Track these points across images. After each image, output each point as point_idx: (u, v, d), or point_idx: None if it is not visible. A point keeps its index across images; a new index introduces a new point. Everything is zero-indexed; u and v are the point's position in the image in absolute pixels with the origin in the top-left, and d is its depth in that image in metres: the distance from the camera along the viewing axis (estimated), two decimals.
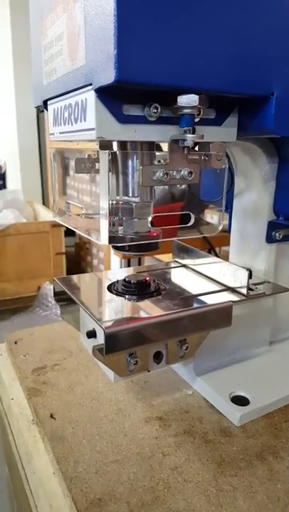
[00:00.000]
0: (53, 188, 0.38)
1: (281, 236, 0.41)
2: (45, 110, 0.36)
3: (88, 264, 2.10)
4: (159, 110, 0.28)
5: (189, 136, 0.28)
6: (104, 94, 0.26)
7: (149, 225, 0.32)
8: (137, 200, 0.33)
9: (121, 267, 1.24)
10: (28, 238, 1.93)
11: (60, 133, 0.33)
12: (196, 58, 0.25)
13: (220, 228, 0.35)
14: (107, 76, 0.24)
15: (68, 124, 0.31)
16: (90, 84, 0.26)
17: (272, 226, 0.41)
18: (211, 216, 1.06)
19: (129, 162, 0.31)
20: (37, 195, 2.65)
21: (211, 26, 0.25)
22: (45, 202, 2.64)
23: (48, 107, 0.35)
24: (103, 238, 0.30)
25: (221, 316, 0.36)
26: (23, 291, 1.87)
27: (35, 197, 2.53)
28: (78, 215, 0.34)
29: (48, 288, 1.84)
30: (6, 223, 1.85)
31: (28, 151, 2.67)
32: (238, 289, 0.38)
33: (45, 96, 0.35)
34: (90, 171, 0.37)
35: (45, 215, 2.15)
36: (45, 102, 0.36)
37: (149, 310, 0.35)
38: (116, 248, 0.34)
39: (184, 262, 0.46)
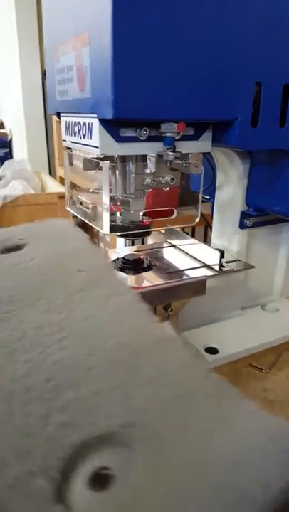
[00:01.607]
0: (66, 182, 0.47)
1: (251, 223, 0.50)
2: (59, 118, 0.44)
3: (95, 235, 2.19)
4: (147, 132, 0.36)
5: (170, 153, 0.36)
6: (105, 121, 0.34)
7: (141, 217, 0.41)
8: (132, 197, 0.42)
9: (125, 244, 1.34)
10: (37, 209, 2.01)
11: (72, 142, 0.42)
12: (175, 98, 0.33)
13: (197, 220, 0.44)
14: (107, 113, 0.32)
15: (78, 137, 0.39)
16: (95, 113, 0.34)
17: (244, 215, 0.49)
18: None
19: (126, 169, 0.40)
20: (43, 165, 2.69)
21: (187, 75, 0.33)
22: (51, 172, 2.69)
23: (61, 117, 0.43)
24: (105, 228, 0.39)
25: (198, 287, 0.45)
26: None
27: (42, 167, 2.57)
28: (86, 207, 0.43)
29: None
30: (16, 194, 1.92)
31: (34, 120, 2.67)
32: (213, 266, 0.48)
33: (59, 109, 0.43)
34: (95, 168, 0.46)
35: (53, 186, 2.21)
36: (58, 112, 0.44)
37: (142, 282, 0.45)
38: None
39: (173, 242, 0.56)
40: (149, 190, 0.40)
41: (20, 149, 2.86)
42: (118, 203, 0.42)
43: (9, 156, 2.96)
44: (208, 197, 0.57)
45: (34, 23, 2.29)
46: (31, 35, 2.35)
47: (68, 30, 0.37)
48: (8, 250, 0.39)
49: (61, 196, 2.09)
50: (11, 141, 3.00)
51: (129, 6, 0.30)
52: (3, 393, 0.22)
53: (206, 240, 1.08)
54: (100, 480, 0.18)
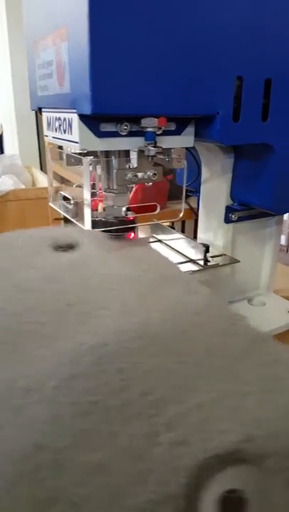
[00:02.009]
0: (48, 178, 0.46)
1: (236, 218, 0.50)
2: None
3: None
4: (128, 127, 0.36)
5: (152, 148, 0.36)
6: (85, 117, 0.34)
7: (124, 212, 0.41)
8: (116, 192, 0.42)
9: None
10: (27, 204, 2.00)
11: (53, 137, 0.41)
12: (154, 93, 0.33)
13: (181, 215, 0.44)
14: (86, 108, 0.32)
15: (59, 132, 0.39)
16: (75, 109, 0.34)
17: (229, 209, 0.49)
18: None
19: (109, 164, 0.40)
20: (35, 159, 2.67)
21: (166, 70, 0.33)
22: (42, 167, 2.67)
23: (43, 113, 0.43)
24: (87, 224, 0.39)
25: None
26: None
27: (33, 162, 2.55)
28: (68, 203, 0.43)
29: None
30: (6, 189, 1.91)
31: (25, 115, 2.65)
32: (198, 261, 0.48)
33: (41, 105, 0.42)
34: (79, 164, 0.45)
35: (43, 180, 2.19)
36: (39, 108, 0.44)
37: None
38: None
39: (159, 237, 0.56)
40: (132, 185, 0.40)
41: (11, 144, 2.84)
42: (99, 198, 0.42)
43: (0, 151, 2.93)
44: (193, 191, 0.57)
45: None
46: (21, 29, 2.31)
47: (48, 24, 0.37)
48: (61, 247, 0.40)
49: (56, 190, 2.07)
50: (1, 136, 2.97)
51: (106, 1, 0.30)
52: (98, 413, 0.21)
53: (195, 233, 1.09)
54: (232, 505, 0.16)
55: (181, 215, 0.44)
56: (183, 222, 1.26)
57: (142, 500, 0.16)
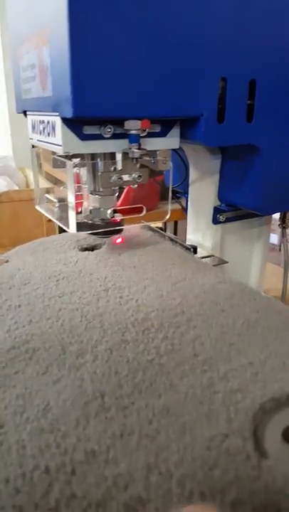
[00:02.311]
0: (34, 181, 0.46)
1: (224, 218, 0.50)
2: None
3: None
4: (112, 129, 0.36)
5: (135, 151, 0.36)
6: (68, 120, 0.34)
7: (109, 215, 0.41)
8: (102, 194, 0.41)
9: None
10: (21, 205, 1.99)
11: (38, 140, 0.41)
12: (136, 95, 0.33)
13: (167, 217, 0.44)
14: (68, 111, 0.31)
15: (43, 135, 0.39)
16: (57, 112, 0.34)
17: (216, 210, 0.49)
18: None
19: (94, 167, 0.39)
20: (28, 161, 2.65)
21: (148, 72, 0.33)
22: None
23: (27, 116, 0.43)
24: (71, 227, 0.38)
25: None
26: None
27: (27, 163, 2.54)
28: (53, 205, 0.43)
29: None
30: None
31: (19, 116, 2.63)
32: None
33: (25, 108, 0.42)
34: (64, 166, 0.45)
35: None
36: (24, 111, 0.43)
37: None
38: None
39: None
40: (118, 187, 0.40)
41: (4, 146, 2.83)
42: (81, 200, 0.42)
43: None
44: (182, 192, 0.57)
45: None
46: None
47: (30, 27, 0.36)
48: (86, 249, 0.44)
49: (46, 192, 2.07)
50: None
51: (86, 4, 0.29)
52: (154, 368, 0.25)
53: None
54: None
55: (167, 217, 0.44)
56: (175, 223, 1.26)
57: (212, 434, 0.20)
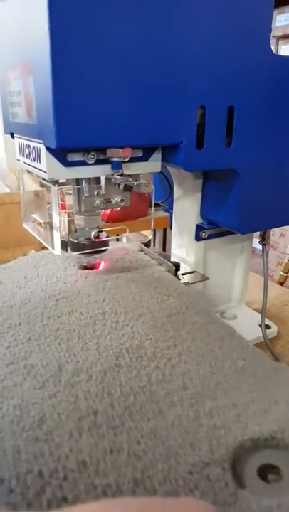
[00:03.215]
0: (22, 200, 0.47)
1: (207, 235, 0.52)
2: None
3: None
4: (95, 156, 0.37)
5: (118, 177, 0.37)
6: (52, 148, 0.35)
7: (92, 236, 0.43)
8: (86, 214, 0.43)
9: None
10: (13, 207, 1.99)
11: (24, 163, 0.42)
12: (118, 126, 0.34)
13: (150, 237, 0.45)
14: (51, 142, 0.33)
15: (29, 159, 0.40)
16: (42, 140, 0.35)
17: (199, 228, 0.51)
18: None
19: (78, 190, 0.41)
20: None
21: (129, 103, 0.34)
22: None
23: (15, 138, 0.44)
24: (56, 249, 0.40)
25: None
26: (10, 259, 1.96)
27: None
28: (40, 224, 0.44)
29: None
30: None
31: None
32: None
33: (12, 131, 0.43)
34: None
35: (30, 183, 2.18)
36: (11, 133, 0.44)
37: None
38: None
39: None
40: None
41: None
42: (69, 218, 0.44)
43: None
44: (167, 208, 0.59)
45: None
46: None
47: (16, 56, 0.37)
48: (85, 267, 0.45)
49: (37, 194, 2.07)
50: None
51: (68, 38, 0.31)
52: (145, 394, 0.26)
53: None
54: (268, 477, 0.21)
55: (150, 237, 0.45)
56: (164, 230, 1.28)
57: (195, 460, 0.21)
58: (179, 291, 0.40)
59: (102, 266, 0.47)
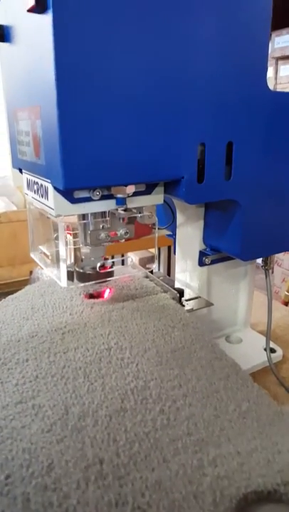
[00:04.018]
0: (29, 231, 0.49)
1: (210, 261, 0.53)
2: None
3: None
4: (100, 193, 0.39)
5: (122, 212, 0.39)
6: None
7: (98, 268, 0.44)
8: (91, 248, 0.44)
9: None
10: (19, 225, 2.02)
11: (32, 197, 0.44)
12: (122, 166, 0.36)
13: (154, 267, 0.47)
14: (59, 184, 0.35)
15: (37, 195, 0.42)
16: (49, 180, 0.37)
17: (202, 254, 0.52)
18: None
19: (84, 224, 0.42)
20: None
21: (133, 144, 0.36)
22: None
23: (23, 173, 0.46)
24: (63, 281, 0.41)
25: None
26: (16, 276, 1.99)
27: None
28: (46, 256, 0.46)
29: (39, 272, 1.96)
30: None
31: None
32: None
33: (21, 166, 0.45)
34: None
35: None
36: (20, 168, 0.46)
37: None
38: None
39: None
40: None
41: (4, 165, 2.86)
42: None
43: None
44: (170, 233, 0.60)
45: None
46: None
47: (24, 99, 0.40)
48: (91, 296, 0.46)
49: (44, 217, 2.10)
50: None
51: (74, 86, 0.32)
52: (150, 441, 0.26)
53: None
54: None
55: (154, 266, 0.47)
56: (169, 248, 1.29)
57: None
58: (183, 321, 0.41)
59: (107, 294, 0.48)
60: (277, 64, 1.69)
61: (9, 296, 0.49)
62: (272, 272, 1.81)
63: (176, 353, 0.36)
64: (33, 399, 0.30)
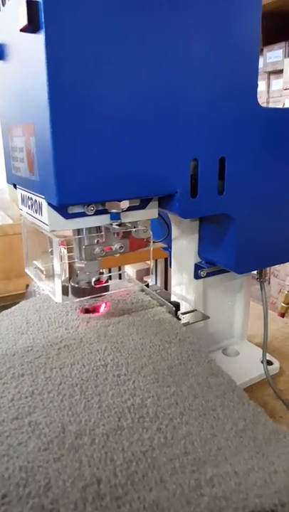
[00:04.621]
0: (23, 246, 0.49)
1: (205, 274, 0.53)
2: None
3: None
4: (94, 208, 0.39)
5: (116, 227, 0.39)
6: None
7: (93, 282, 0.44)
8: (86, 262, 0.44)
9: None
10: (15, 238, 2.02)
11: (27, 213, 0.44)
12: (115, 182, 0.36)
13: (150, 279, 0.47)
14: (53, 200, 0.35)
15: (31, 210, 0.42)
16: (43, 196, 0.37)
17: (197, 267, 0.52)
18: None
19: (79, 239, 0.42)
20: None
21: (125, 161, 0.36)
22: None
23: (17, 189, 0.46)
24: (58, 296, 0.41)
25: None
26: (12, 290, 1.97)
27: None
28: (41, 271, 0.45)
29: (36, 286, 1.95)
30: None
31: None
32: None
33: (15, 182, 0.45)
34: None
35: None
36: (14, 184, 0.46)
37: None
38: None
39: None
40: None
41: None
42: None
43: None
44: (166, 246, 0.60)
45: None
46: None
47: (18, 116, 0.40)
48: (87, 310, 0.46)
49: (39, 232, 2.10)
50: None
51: (67, 105, 0.33)
52: (147, 460, 0.26)
53: None
54: None
55: (150, 279, 0.47)
56: (166, 260, 1.29)
57: None
58: (180, 336, 0.41)
59: (103, 309, 0.47)
60: (269, 78, 1.72)
61: (3, 312, 0.48)
62: (269, 283, 1.81)
63: (173, 369, 0.36)
64: (29, 415, 0.29)
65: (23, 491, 0.23)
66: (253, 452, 0.28)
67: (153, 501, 0.23)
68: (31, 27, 0.30)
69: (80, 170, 0.34)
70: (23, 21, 0.30)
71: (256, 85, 0.41)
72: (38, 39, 0.31)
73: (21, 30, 0.31)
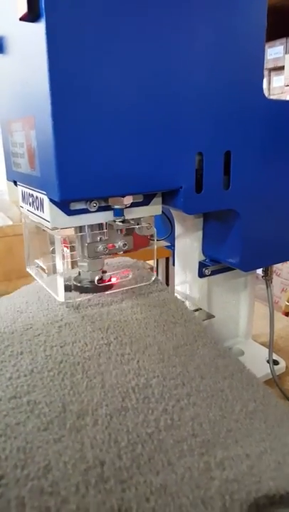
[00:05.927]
0: (25, 245, 0.48)
1: (210, 272, 0.52)
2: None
3: None
4: (97, 204, 0.38)
5: (120, 224, 0.38)
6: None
7: (96, 281, 0.43)
8: (88, 260, 0.43)
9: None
10: (15, 239, 2.00)
11: (28, 210, 0.43)
12: (118, 177, 0.35)
13: (153, 279, 0.46)
14: (55, 195, 0.34)
15: (32, 207, 0.41)
16: (45, 192, 0.36)
17: (202, 265, 0.51)
18: None
19: (82, 237, 0.41)
20: None
21: (129, 155, 0.35)
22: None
23: (18, 186, 0.45)
24: (60, 295, 0.40)
25: None
26: (13, 291, 1.96)
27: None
28: (43, 270, 0.44)
29: None
30: None
31: None
32: None
33: (15, 179, 0.44)
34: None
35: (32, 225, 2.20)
36: (15, 181, 0.45)
37: None
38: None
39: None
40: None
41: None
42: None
43: None
44: (169, 244, 0.59)
45: None
46: None
47: (18, 109, 0.39)
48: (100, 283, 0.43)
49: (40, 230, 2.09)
50: None
51: (68, 97, 0.32)
52: (153, 443, 0.25)
53: None
54: None
55: (153, 279, 0.46)
56: (167, 259, 1.28)
57: None
58: (185, 317, 0.39)
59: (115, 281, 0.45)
60: (270, 75, 1.71)
61: (3, 296, 0.46)
62: (272, 282, 1.80)
63: (179, 349, 0.34)
64: (28, 394, 0.28)
65: (21, 473, 0.21)
66: (265, 434, 0.26)
67: (160, 485, 0.22)
68: (31, 15, 0.29)
69: (82, 164, 0.33)
70: (23, 9, 0.29)
71: (262, 77, 0.40)
72: (39, 28, 0.30)
73: (21, 19, 0.30)
